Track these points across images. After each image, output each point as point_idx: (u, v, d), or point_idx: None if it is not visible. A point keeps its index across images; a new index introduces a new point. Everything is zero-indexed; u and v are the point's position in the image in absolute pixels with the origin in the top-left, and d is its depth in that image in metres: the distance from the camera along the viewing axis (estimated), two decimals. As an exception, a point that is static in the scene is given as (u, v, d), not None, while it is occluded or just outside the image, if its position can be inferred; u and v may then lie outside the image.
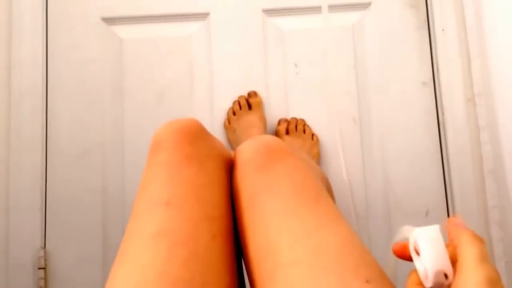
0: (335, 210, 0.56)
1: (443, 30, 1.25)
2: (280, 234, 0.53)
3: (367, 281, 0.47)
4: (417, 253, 0.45)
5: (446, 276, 0.44)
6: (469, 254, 0.41)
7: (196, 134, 0.62)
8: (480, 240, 0.42)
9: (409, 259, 0.46)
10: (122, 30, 1.31)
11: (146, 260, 0.50)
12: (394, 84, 1.27)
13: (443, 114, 1.23)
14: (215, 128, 1.27)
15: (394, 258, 0.48)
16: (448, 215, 1.21)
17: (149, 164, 0.60)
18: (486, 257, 0.40)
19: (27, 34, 1.30)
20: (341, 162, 1.23)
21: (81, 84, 1.30)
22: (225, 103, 1.28)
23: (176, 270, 0.49)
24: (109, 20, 1.31)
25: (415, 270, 0.45)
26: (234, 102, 1.26)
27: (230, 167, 0.64)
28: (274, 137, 0.64)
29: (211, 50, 1.30)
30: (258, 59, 1.30)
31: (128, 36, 1.31)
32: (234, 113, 1.25)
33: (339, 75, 1.28)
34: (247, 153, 0.61)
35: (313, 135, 1.23)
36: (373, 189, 1.23)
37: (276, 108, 1.27)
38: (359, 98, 1.27)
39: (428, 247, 0.44)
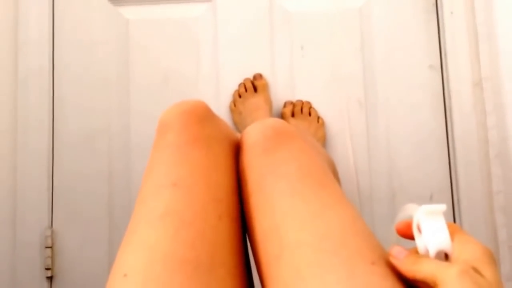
0: (340, 193, 0.56)
1: (451, 13, 1.24)
2: (286, 216, 0.53)
3: (372, 263, 0.47)
4: (419, 232, 0.46)
5: (446, 256, 0.44)
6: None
7: (203, 115, 0.62)
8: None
9: (412, 237, 0.47)
10: (128, 11, 1.31)
11: (153, 240, 0.50)
12: (401, 67, 1.26)
13: (450, 98, 1.22)
14: (221, 111, 1.27)
15: (396, 236, 0.48)
16: (453, 200, 1.21)
17: (156, 146, 0.60)
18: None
19: (33, 15, 1.30)
20: (348, 148, 1.23)
21: (88, 66, 1.30)
22: (231, 86, 1.27)
23: (183, 250, 0.50)
24: (116, 1, 1.31)
25: (414, 248, 0.46)
26: (239, 85, 1.26)
27: (236, 149, 0.64)
28: (281, 120, 0.64)
29: (217, 32, 1.30)
30: (264, 42, 1.29)
31: (135, 17, 1.31)
32: (239, 96, 1.25)
33: (346, 57, 1.27)
34: (253, 136, 0.61)
35: (318, 118, 1.23)
36: (378, 172, 1.23)
37: (282, 91, 1.27)
38: (365, 81, 1.26)
39: (430, 226, 0.45)
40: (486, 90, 1.19)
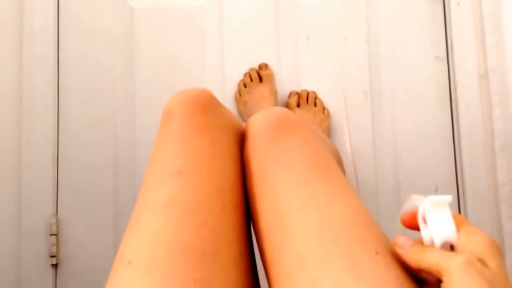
0: (345, 183, 0.56)
1: (458, 4, 1.24)
2: (290, 205, 0.53)
3: (376, 253, 0.47)
4: (425, 223, 0.46)
5: (452, 247, 0.44)
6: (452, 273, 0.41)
7: (208, 104, 0.62)
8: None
9: (417, 228, 0.47)
10: (133, -1, 1.31)
11: (157, 228, 0.51)
12: (406, 58, 1.26)
13: (455, 89, 1.22)
14: (226, 101, 1.27)
15: (401, 227, 0.48)
16: (458, 192, 1.21)
17: (161, 134, 0.60)
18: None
19: (38, 3, 1.30)
20: (345, 136, 1.23)
21: (93, 54, 1.30)
22: (236, 75, 1.27)
23: (187, 237, 0.50)
24: (121, -12, 1.31)
25: (419, 239, 0.46)
26: (245, 75, 1.26)
27: (241, 138, 0.64)
28: (286, 109, 0.64)
29: (223, 21, 1.29)
30: (270, 31, 1.29)
31: (140, 5, 1.30)
32: (245, 86, 1.25)
33: (351, 48, 1.27)
34: (258, 125, 0.61)
35: (324, 108, 1.23)
36: (382, 163, 1.23)
37: (287, 81, 1.27)
38: (371, 72, 1.26)
39: (436, 217, 0.45)
40: (492, 82, 1.19)
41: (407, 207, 0.48)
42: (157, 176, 0.56)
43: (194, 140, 0.58)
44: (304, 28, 1.28)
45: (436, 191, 1.20)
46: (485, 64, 1.21)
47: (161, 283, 0.46)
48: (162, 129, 0.61)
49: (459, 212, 1.19)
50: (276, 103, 1.23)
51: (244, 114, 1.23)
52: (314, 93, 1.24)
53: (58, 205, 1.26)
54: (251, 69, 1.26)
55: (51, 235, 1.24)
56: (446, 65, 1.25)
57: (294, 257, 0.49)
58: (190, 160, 0.56)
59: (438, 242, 0.44)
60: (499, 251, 0.42)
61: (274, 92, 1.24)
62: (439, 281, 0.42)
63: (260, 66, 1.26)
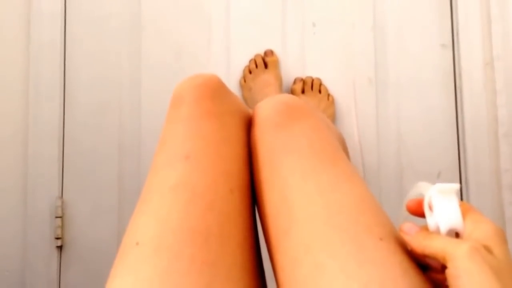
0: (351, 169, 0.56)
1: (464, -9, 1.23)
2: (296, 191, 0.53)
3: (381, 239, 0.47)
4: (431, 210, 0.46)
5: (457, 235, 0.45)
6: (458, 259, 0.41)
7: (217, 89, 0.62)
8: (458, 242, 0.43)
9: (423, 215, 0.47)
10: (141, -16, 1.30)
11: (165, 211, 0.51)
12: (412, 45, 1.25)
13: (460, 76, 1.22)
14: (231, 86, 1.25)
15: (406, 214, 0.49)
16: (461, 178, 1.21)
17: (170, 118, 0.61)
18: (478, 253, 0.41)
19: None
20: (353, 126, 1.24)
21: (99, 39, 1.30)
22: (242, 61, 1.27)
23: (194, 221, 0.50)
24: (128, -26, 1.30)
25: (425, 226, 0.46)
26: (250, 61, 1.26)
27: (249, 124, 0.64)
28: (293, 96, 0.64)
29: (229, 7, 1.29)
30: (276, 18, 1.28)
31: (147, -9, 1.30)
32: (250, 72, 1.24)
33: (357, 35, 1.26)
34: (266, 111, 0.62)
35: (328, 95, 1.23)
36: (386, 149, 1.23)
37: (293, 67, 1.27)
38: (376, 59, 1.25)
39: (443, 204, 0.45)
40: (497, 70, 1.19)
41: (412, 194, 0.48)
42: (166, 160, 0.57)
43: (202, 125, 0.58)
44: (311, 15, 1.27)
45: (439, 177, 1.21)
46: (490, 52, 1.20)
47: (168, 265, 0.47)
48: (171, 114, 0.61)
49: (462, 198, 1.20)
50: (281, 89, 1.23)
51: (249, 100, 1.23)
52: (319, 79, 1.24)
53: (64, 188, 1.27)
54: (257, 55, 1.26)
55: (56, 217, 1.25)
56: (452, 52, 1.25)
57: (299, 242, 0.50)
58: (198, 144, 0.57)
59: (444, 230, 0.44)
60: (505, 239, 0.43)
61: (279, 79, 1.24)
62: (443, 267, 0.43)
63: (265, 53, 1.25)
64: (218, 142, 0.58)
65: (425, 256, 0.45)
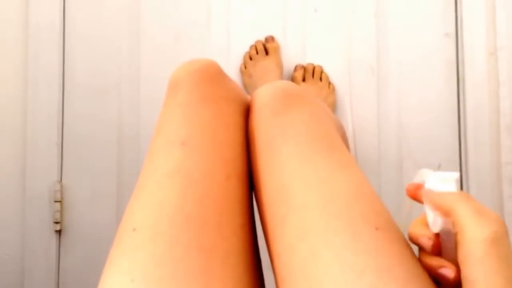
0: (348, 158, 0.56)
1: (469, -20, 1.22)
2: (293, 178, 0.53)
3: (376, 228, 0.47)
4: None
5: (454, 224, 0.44)
6: (464, 211, 0.42)
7: (214, 75, 0.62)
8: (467, 196, 0.43)
9: (421, 201, 0.47)
10: (140, -34, 1.29)
11: (161, 197, 0.51)
12: (415, 34, 1.24)
13: (463, 66, 1.21)
14: (231, 73, 1.26)
15: (410, 201, 0.49)
16: (461, 169, 1.21)
17: (167, 104, 0.60)
18: (483, 211, 0.42)
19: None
20: (347, 112, 1.23)
21: (98, 21, 1.29)
22: (242, 47, 1.26)
23: (190, 207, 0.50)
24: (128, -44, 1.29)
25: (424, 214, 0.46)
26: (251, 47, 1.25)
27: (246, 110, 0.64)
28: (292, 83, 0.64)
29: (230, -8, 1.28)
30: (277, 3, 1.27)
31: (147, -26, 1.29)
32: (250, 58, 1.24)
33: (359, 22, 1.25)
34: (264, 97, 0.61)
35: (329, 83, 1.22)
36: (386, 138, 1.23)
37: (294, 54, 1.26)
38: (378, 47, 1.24)
39: (441, 191, 0.45)
40: (500, 60, 1.18)
41: (415, 181, 0.48)
42: (162, 146, 0.56)
43: (199, 110, 0.58)
44: (312, 1, 1.26)
45: (439, 168, 1.21)
46: (494, 42, 1.20)
47: (164, 251, 0.47)
48: (168, 99, 0.61)
49: (461, 189, 1.20)
50: (281, 76, 1.22)
51: (249, 87, 1.23)
52: (320, 67, 1.23)
53: (63, 172, 1.27)
54: (257, 41, 1.25)
55: (55, 201, 1.25)
56: (455, 41, 1.24)
57: (295, 229, 0.50)
58: (195, 130, 0.56)
59: (440, 218, 0.44)
60: (506, 230, 0.42)
61: (280, 65, 1.23)
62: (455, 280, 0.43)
63: (266, 39, 1.25)
64: (215, 128, 0.58)
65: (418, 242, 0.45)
